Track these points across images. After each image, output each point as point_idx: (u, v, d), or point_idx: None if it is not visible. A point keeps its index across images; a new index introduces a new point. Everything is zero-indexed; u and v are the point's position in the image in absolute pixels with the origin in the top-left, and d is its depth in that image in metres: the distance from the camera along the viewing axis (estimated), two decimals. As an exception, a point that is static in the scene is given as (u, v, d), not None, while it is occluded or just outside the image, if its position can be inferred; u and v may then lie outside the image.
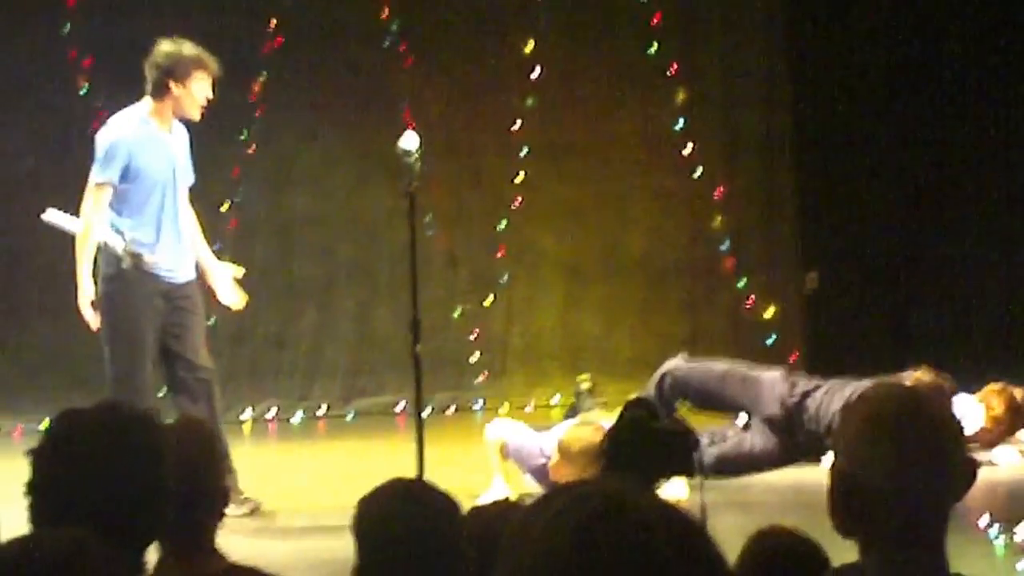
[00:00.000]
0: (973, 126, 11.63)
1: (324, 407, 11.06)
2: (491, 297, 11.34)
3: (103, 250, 7.54)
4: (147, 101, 7.65)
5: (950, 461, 2.78)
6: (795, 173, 11.74)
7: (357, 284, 11.10)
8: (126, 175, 7.55)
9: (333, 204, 11.25)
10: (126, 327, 7.57)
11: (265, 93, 10.86)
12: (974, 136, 11.62)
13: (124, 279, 7.51)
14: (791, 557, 3.70)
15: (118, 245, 7.51)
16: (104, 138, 7.59)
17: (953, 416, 2.91)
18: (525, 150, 11.33)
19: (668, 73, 11.39)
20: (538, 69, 11.27)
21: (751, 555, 3.72)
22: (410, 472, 6.61)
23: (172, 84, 7.57)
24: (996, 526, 6.75)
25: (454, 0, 11.34)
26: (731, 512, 6.96)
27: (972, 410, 8.49)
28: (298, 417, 11.01)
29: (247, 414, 10.81)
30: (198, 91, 7.61)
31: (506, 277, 11.33)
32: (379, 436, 10.11)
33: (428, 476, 6.70)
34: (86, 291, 7.54)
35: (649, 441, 4.78)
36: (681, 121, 11.43)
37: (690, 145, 11.39)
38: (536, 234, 11.44)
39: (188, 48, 7.64)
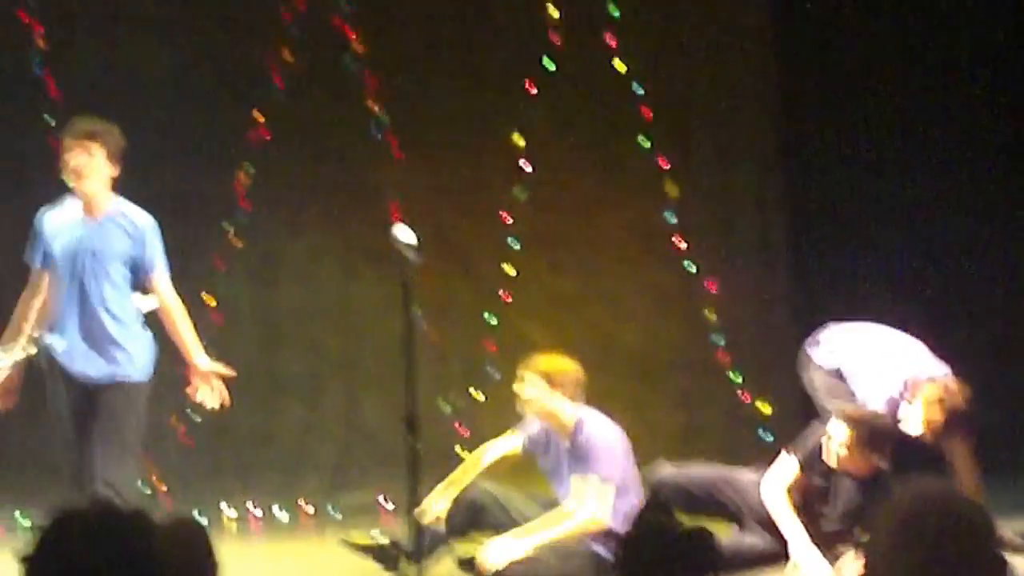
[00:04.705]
0: (966, 203, 11.49)
1: (310, 504, 10.79)
2: (481, 394, 11.12)
3: None
4: None
5: (981, 564, 2.69)
6: (791, 267, 11.60)
7: (344, 378, 10.86)
8: (43, 260, 7.39)
9: (320, 298, 11.06)
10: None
11: (251, 185, 10.70)
12: (971, 212, 11.48)
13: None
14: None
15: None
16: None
17: (986, 516, 2.78)
18: (515, 244, 11.18)
19: (660, 167, 11.27)
20: (528, 162, 11.14)
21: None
22: None
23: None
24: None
25: (443, 92, 11.20)
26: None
27: (912, 412, 8.26)
28: (284, 514, 10.76)
29: (232, 512, 10.53)
30: (65, 162, 7.30)
31: (497, 374, 11.12)
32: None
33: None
34: None
35: (670, 545, 4.60)
36: (674, 216, 11.31)
37: (683, 240, 11.25)
38: (527, 328, 11.22)
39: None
